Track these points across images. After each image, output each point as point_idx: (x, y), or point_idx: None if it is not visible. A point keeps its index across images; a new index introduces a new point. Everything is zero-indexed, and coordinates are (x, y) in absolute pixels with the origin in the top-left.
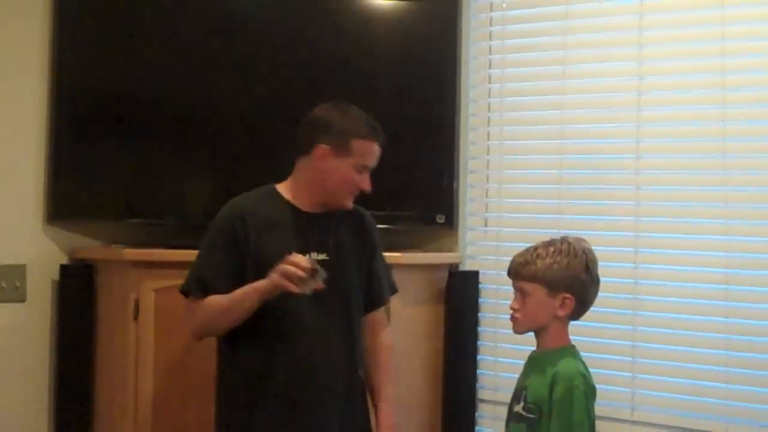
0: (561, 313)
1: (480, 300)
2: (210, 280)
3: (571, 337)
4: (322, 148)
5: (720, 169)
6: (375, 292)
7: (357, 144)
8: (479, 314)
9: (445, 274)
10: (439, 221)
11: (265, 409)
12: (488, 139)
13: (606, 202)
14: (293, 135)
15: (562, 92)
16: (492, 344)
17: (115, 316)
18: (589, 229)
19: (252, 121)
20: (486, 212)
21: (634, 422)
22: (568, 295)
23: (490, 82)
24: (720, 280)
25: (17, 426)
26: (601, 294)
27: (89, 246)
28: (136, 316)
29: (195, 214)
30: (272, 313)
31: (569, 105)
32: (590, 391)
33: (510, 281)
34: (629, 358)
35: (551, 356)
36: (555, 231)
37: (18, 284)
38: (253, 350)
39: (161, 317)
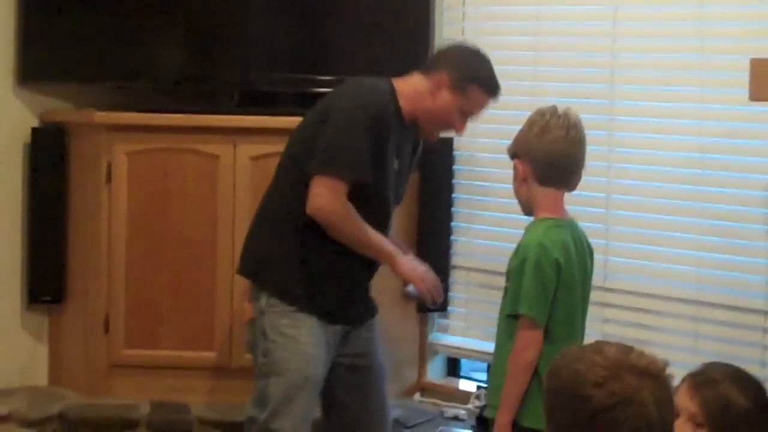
0: (522, 179)
1: (454, 167)
2: (364, 166)
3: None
4: (443, 79)
5: (696, 37)
6: None
7: (475, 91)
8: (453, 181)
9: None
10: None
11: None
12: (463, 6)
13: (581, 69)
14: None
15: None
16: (467, 211)
17: (88, 180)
18: (564, 96)
19: None
20: None
21: (607, 289)
22: (521, 160)
23: (464, 5)
24: (694, 148)
25: None
26: None
27: (61, 109)
28: (108, 180)
29: (168, 77)
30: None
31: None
32: (548, 262)
33: (483, 147)
34: (602, 225)
35: (528, 227)
36: (528, 99)
37: None
38: None
39: (134, 181)
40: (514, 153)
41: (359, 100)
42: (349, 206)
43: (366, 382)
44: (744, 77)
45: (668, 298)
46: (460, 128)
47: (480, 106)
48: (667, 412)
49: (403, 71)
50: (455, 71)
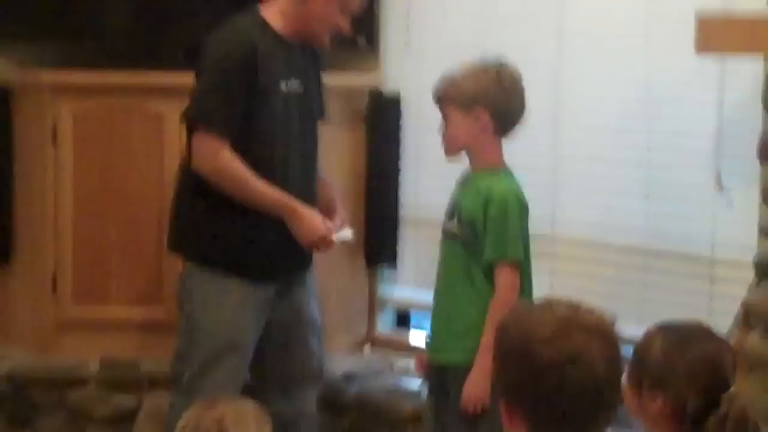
0: (478, 129)
1: (401, 122)
2: (235, 117)
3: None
4: None
5: None
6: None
7: None
8: (401, 135)
9: (365, 97)
10: (359, 44)
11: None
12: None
13: (528, 21)
14: None
15: None
16: (415, 164)
17: (33, 141)
18: (512, 49)
19: None
20: (408, 33)
21: (554, 240)
22: (480, 110)
23: None
24: (641, 99)
25: None
26: None
27: (4, 68)
28: (54, 141)
29: (114, 35)
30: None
31: None
32: (524, 210)
33: (432, 99)
34: (549, 176)
35: (484, 176)
36: (478, 51)
37: None
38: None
39: (80, 141)
40: (473, 101)
41: (222, 48)
42: (231, 162)
43: (294, 336)
44: (689, 29)
45: (615, 248)
46: (345, 26)
47: None
48: (615, 369)
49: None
50: None
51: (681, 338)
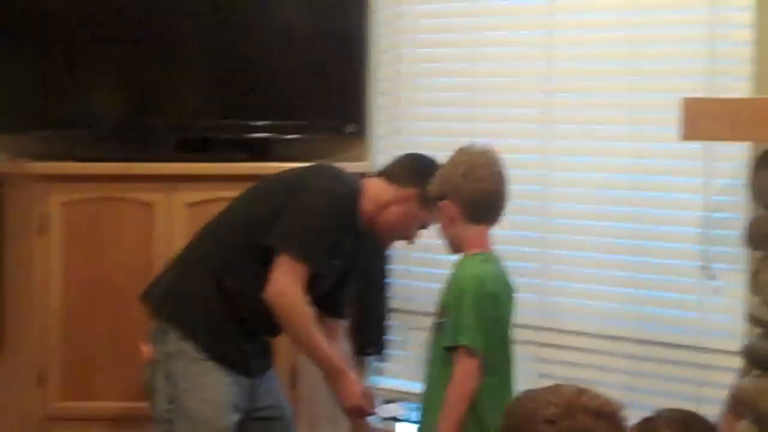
0: (447, 220)
1: None
2: (325, 257)
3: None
4: (412, 192)
5: (629, 76)
6: None
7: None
8: None
9: None
10: (349, 131)
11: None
12: (400, 47)
13: (517, 110)
14: (202, 44)
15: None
16: (404, 253)
17: (23, 231)
18: (500, 136)
19: (160, 31)
20: (397, 121)
21: (542, 328)
22: (449, 201)
23: None
24: (627, 186)
25: None
26: (510, 201)
27: None
28: (43, 231)
29: (103, 124)
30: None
31: (484, 11)
32: (485, 296)
33: None
34: (538, 264)
35: (458, 263)
36: (467, 139)
37: None
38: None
39: (69, 231)
40: (441, 194)
41: (334, 185)
42: (303, 300)
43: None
44: (675, 115)
45: (604, 336)
46: (413, 238)
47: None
48: None
49: (337, 117)
50: (425, 187)
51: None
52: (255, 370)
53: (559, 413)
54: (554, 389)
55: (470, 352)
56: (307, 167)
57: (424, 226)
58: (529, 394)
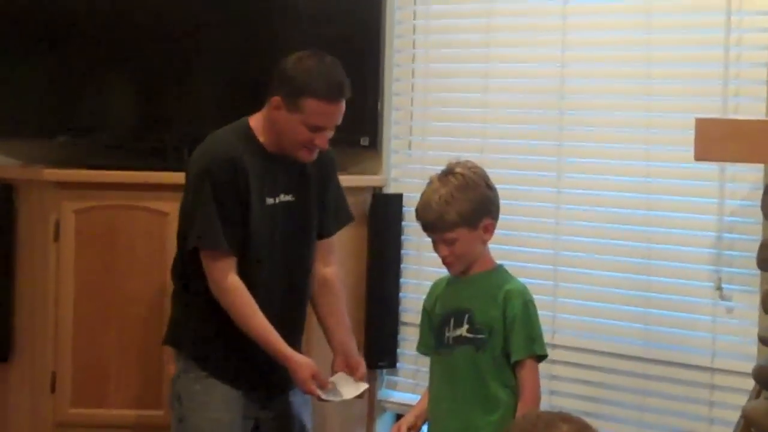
0: (487, 237)
1: (404, 224)
2: (230, 232)
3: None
4: (276, 100)
5: (643, 96)
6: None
7: (308, 103)
8: (403, 237)
9: (368, 197)
10: (363, 144)
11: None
12: (413, 62)
13: (530, 126)
14: (216, 56)
15: (489, 15)
16: (415, 267)
17: (36, 238)
18: (513, 152)
19: (175, 36)
20: (410, 135)
21: (554, 345)
22: (488, 220)
23: (415, 4)
24: (641, 205)
25: None
26: (524, 218)
27: (8, 165)
28: (56, 238)
29: (117, 133)
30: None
31: (496, 28)
32: (534, 304)
33: None
34: (550, 282)
35: (490, 277)
36: (479, 154)
37: None
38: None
39: (82, 239)
40: (483, 213)
41: (199, 165)
42: (236, 291)
43: None
44: (689, 136)
45: (615, 355)
46: (321, 142)
47: (324, 115)
48: None
49: (350, 130)
50: (285, 88)
51: None
52: (274, 385)
53: None
54: (556, 423)
55: (537, 362)
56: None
57: (314, 128)
58: (529, 422)
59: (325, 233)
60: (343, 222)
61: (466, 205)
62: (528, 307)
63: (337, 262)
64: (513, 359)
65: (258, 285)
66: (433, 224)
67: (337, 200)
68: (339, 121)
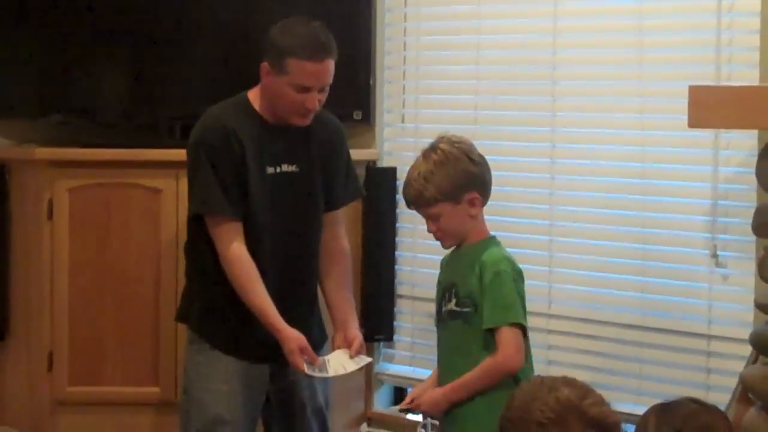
0: (474, 212)
1: (397, 196)
2: (232, 197)
3: (492, 233)
4: (265, 66)
5: (636, 64)
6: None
7: (292, 63)
8: (397, 210)
9: (362, 171)
10: (355, 118)
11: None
12: (405, 35)
13: (522, 97)
14: (208, 32)
15: None
16: (410, 240)
17: (29, 217)
18: (506, 123)
19: (167, 19)
20: (403, 108)
21: (551, 315)
22: (472, 194)
23: None
24: (635, 174)
25: None
26: (518, 189)
27: (1, 145)
28: (50, 216)
29: (109, 112)
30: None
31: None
32: (517, 275)
33: None
34: (546, 252)
35: (474, 249)
36: (472, 126)
37: None
38: None
39: (76, 217)
40: (466, 187)
41: (194, 137)
42: (238, 261)
43: (296, 416)
44: (683, 103)
45: (612, 324)
46: (310, 103)
47: (309, 74)
48: None
49: (343, 104)
50: (271, 53)
51: (674, 415)
52: (273, 359)
53: (552, 417)
54: (556, 387)
55: (520, 330)
56: None
57: (302, 88)
58: (533, 386)
59: (333, 205)
60: (352, 196)
61: (446, 180)
62: (500, 276)
63: (345, 235)
64: (483, 327)
65: (261, 254)
66: (413, 200)
67: (348, 173)
68: (327, 81)
